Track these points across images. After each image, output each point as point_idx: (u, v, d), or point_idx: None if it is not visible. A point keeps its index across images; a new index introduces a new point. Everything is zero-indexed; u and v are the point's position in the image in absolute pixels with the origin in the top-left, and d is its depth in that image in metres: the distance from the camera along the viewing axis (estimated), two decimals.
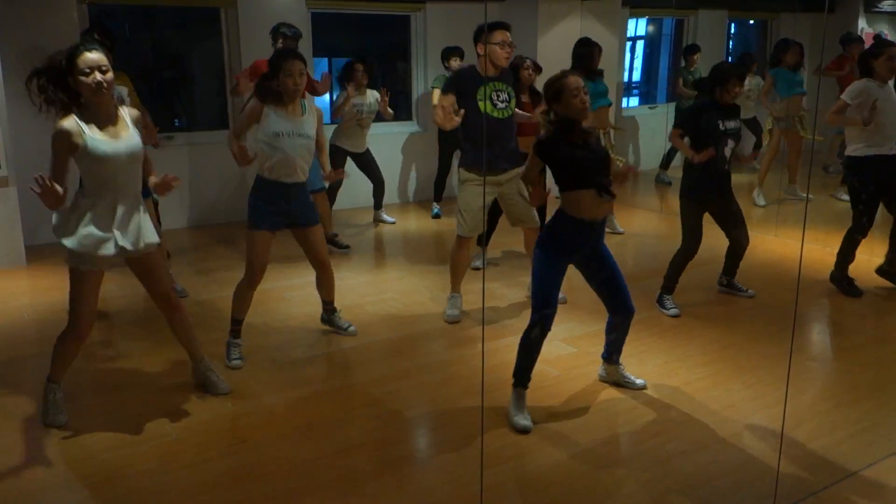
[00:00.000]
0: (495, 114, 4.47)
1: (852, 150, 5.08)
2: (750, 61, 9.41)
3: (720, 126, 4.60)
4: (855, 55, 8.64)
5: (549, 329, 3.43)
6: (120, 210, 3.24)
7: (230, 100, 7.41)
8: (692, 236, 4.80)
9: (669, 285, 4.90)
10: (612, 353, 3.81)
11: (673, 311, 4.81)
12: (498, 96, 4.53)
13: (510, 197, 4.63)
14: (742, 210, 4.84)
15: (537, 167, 3.52)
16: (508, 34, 4.49)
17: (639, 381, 3.82)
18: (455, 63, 7.37)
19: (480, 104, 4.45)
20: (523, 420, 3.38)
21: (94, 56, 3.10)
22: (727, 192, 4.79)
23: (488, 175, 4.50)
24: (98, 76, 3.09)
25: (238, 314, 4.12)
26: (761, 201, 7.85)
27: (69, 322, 3.37)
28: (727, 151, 4.64)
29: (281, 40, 5.77)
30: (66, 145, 3.12)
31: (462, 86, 4.50)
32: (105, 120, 3.21)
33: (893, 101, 4.98)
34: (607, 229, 3.97)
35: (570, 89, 3.31)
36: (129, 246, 3.26)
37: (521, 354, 3.46)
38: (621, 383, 3.82)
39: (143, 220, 3.36)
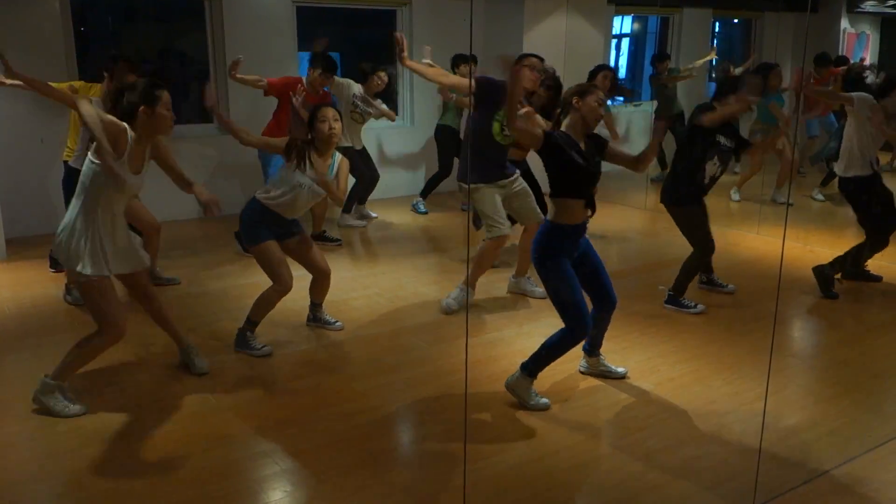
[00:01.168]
0: (498, 138, 4.67)
1: (843, 171, 5.18)
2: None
3: (715, 136, 4.59)
4: (826, 77, 8.71)
5: (587, 333, 3.53)
6: (113, 228, 3.37)
7: (215, 93, 7.34)
8: (707, 238, 4.80)
9: (682, 289, 4.90)
10: (593, 347, 3.86)
11: (700, 308, 4.83)
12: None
13: (516, 195, 4.88)
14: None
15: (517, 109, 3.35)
16: (540, 63, 4.75)
17: (619, 370, 3.88)
18: (467, 70, 7.24)
19: (496, 125, 4.63)
20: (542, 399, 3.56)
21: (168, 97, 3.33)
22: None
23: (497, 181, 4.75)
24: (173, 115, 3.37)
25: (257, 317, 4.14)
26: (736, 196, 8.19)
27: (104, 331, 3.37)
28: (709, 168, 4.63)
29: (320, 71, 6.05)
30: (117, 132, 3.18)
31: (487, 96, 4.57)
32: (142, 151, 3.36)
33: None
34: None
35: (599, 97, 3.45)
36: (118, 269, 3.42)
37: (548, 352, 3.53)
38: (603, 374, 3.87)
39: (132, 241, 3.54)
